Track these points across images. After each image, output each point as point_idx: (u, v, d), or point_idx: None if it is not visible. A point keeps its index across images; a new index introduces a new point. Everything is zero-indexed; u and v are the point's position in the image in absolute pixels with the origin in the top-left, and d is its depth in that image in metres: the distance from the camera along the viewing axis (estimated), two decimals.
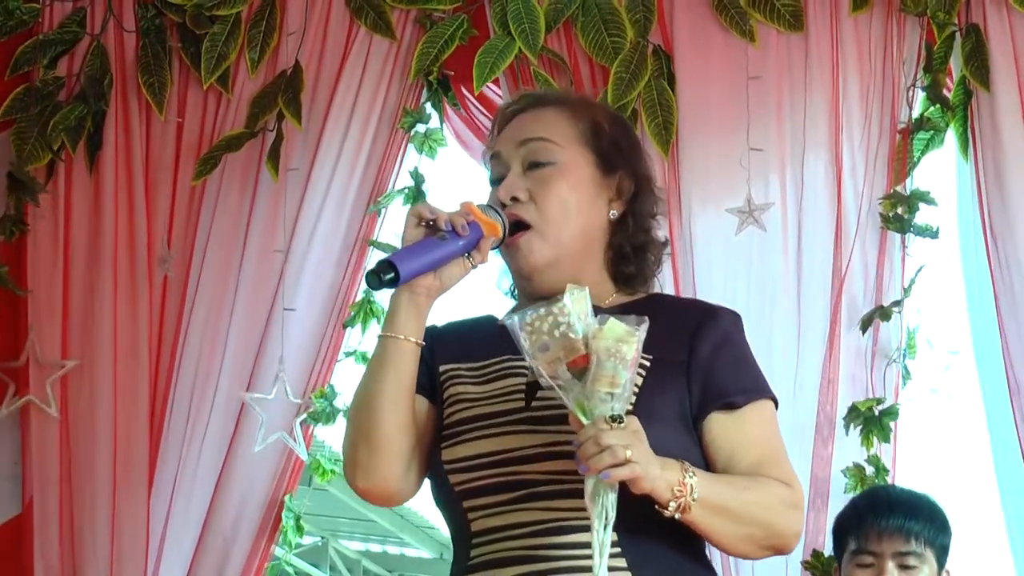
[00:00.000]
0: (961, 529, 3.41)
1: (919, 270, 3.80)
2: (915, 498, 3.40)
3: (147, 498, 4.08)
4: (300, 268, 4.12)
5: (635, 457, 2.14)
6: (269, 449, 4.03)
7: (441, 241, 2.30)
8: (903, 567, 3.21)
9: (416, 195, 4.13)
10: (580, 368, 2.18)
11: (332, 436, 5.00)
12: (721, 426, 2.35)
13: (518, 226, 2.40)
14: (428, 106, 4.14)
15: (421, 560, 11.84)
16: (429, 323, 2.40)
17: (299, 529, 4.10)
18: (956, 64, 3.86)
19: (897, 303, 3.77)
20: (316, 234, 4.13)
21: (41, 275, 4.22)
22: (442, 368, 2.42)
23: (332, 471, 4.19)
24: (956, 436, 3.89)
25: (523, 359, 2.33)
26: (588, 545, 2.22)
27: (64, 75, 4.29)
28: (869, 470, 3.67)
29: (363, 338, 4.13)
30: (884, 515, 3.25)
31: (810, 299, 3.82)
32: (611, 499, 2.17)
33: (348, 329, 4.11)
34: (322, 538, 10.68)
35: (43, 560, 4.10)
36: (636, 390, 2.29)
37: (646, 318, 2.20)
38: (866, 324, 3.76)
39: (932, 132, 3.84)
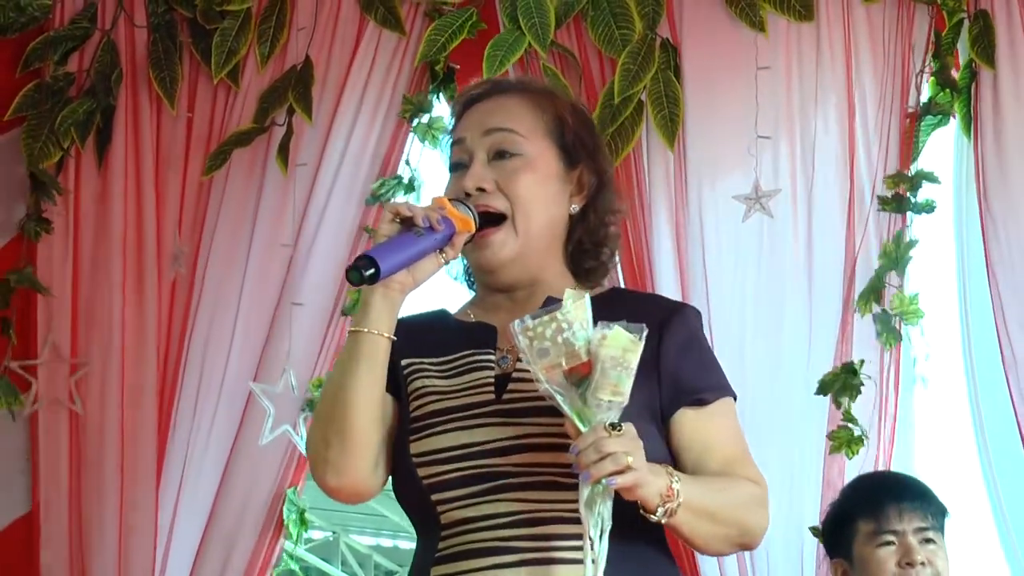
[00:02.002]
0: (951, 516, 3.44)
1: (912, 244, 3.81)
2: (918, 481, 3.44)
3: (155, 492, 4.10)
4: (307, 262, 4.13)
5: (636, 464, 2.14)
6: (275, 443, 4.03)
7: (417, 237, 2.28)
8: (924, 542, 3.24)
9: (409, 184, 4.13)
10: (580, 375, 2.16)
11: None
12: (691, 423, 2.34)
13: (487, 218, 2.39)
14: (429, 96, 4.14)
15: None
16: None
17: (303, 523, 4.10)
18: (963, 49, 3.88)
19: (886, 273, 3.78)
20: (323, 228, 4.14)
21: (51, 271, 4.23)
22: (404, 362, 2.40)
23: None
24: (936, 423, 3.92)
25: (489, 353, 2.36)
26: (560, 536, 2.23)
27: (75, 71, 4.31)
28: (856, 431, 3.69)
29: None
30: (901, 495, 3.28)
31: (821, 284, 3.83)
32: (608, 507, 2.16)
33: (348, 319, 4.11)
34: (333, 533, 10.69)
35: (51, 555, 4.12)
36: None
37: (645, 326, 2.19)
38: (864, 302, 3.78)
39: (940, 116, 3.87)
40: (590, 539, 2.16)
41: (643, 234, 3.91)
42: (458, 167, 2.45)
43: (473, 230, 2.35)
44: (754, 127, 3.89)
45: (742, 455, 2.38)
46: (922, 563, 3.22)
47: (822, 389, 3.72)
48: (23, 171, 4.26)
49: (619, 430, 2.14)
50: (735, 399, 2.42)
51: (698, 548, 2.32)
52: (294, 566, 4.23)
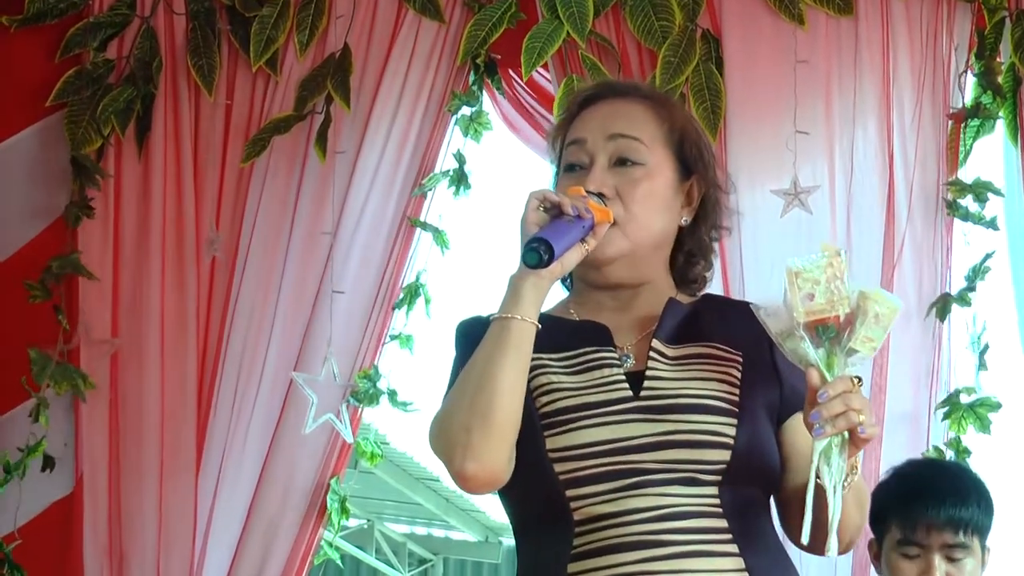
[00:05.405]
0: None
1: (987, 256, 3.78)
2: (961, 480, 3.29)
3: (195, 479, 4.10)
4: (347, 250, 4.14)
5: (872, 423, 2.19)
6: (316, 432, 4.04)
7: (570, 224, 2.30)
8: (950, 559, 3.15)
9: (460, 177, 4.13)
10: (833, 326, 2.19)
11: (378, 419, 4.99)
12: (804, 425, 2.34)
13: None
14: (476, 89, 4.15)
15: (466, 543, 11.88)
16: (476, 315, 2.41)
17: (345, 512, 4.11)
18: (1005, 50, 3.85)
19: (971, 288, 3.76)
20: (363, 216, 4.14)
21: (92, 257, 4.24)
22: None
23: (380, 455, 4.20)
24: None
25: (610, 351, 2.37)
26: (704, 531, 2.26)
27: (114, 58, 4.31)
28: (949, 454, 3.68)
29: (408, 321, 4.15)
30: (933, 507, 3.16)
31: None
32: (844, 460, 2.19)
33: (395, 311, 4.12)
34: (368, 521, 10.72)
35: (92, 539, 4.12)
36: (738, 382, 2.33)
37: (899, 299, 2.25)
38: (942, 311, 3.75)
39: (983, 119, 3.83)
40: (820, 487, 2.18)
41: None
42: (575, 167, 2.46)
43: (611, 220, 2.37)
44: (793, 121, 3.87)
45: None
46: None
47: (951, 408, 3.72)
48: (63, 156, 4.27)
49: (861, 384, 2.19)
50: None
51: (838, 533, 2.26)
52: (334, 555, 4.23)
